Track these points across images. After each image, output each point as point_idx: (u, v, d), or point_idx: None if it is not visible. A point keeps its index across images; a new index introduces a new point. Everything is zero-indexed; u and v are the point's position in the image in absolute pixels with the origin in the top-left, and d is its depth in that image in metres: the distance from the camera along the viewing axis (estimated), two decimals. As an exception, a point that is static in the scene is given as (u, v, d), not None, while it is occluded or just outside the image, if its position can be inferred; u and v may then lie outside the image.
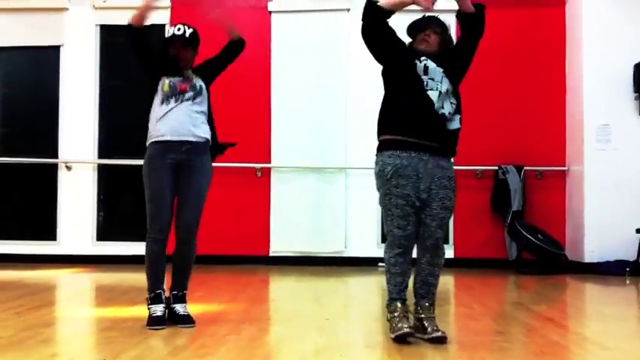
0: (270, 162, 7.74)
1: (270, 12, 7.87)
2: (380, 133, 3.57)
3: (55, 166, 7.96)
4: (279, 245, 7.69)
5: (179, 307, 3.85)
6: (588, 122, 7.24)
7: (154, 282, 3.83)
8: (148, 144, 3.87)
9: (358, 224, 7.69)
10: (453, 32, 3.72)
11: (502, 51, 7.57)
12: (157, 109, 3.84)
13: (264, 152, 7.72)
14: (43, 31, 8.02)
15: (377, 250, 7.41)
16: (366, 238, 7.68)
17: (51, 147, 7.95)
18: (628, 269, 6.89)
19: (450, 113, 3.46)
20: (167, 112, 3.80)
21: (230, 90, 7.23)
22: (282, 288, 6.28)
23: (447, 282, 6.17)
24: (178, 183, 3.84)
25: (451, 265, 6.25)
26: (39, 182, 8.04)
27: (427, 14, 3.68)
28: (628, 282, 6.53)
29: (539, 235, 7.21)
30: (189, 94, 3.86)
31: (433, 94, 3.43)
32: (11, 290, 5.41)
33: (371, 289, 6.14)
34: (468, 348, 3.32)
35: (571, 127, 7.58)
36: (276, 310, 4.89)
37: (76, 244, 7.81)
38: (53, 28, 8.01)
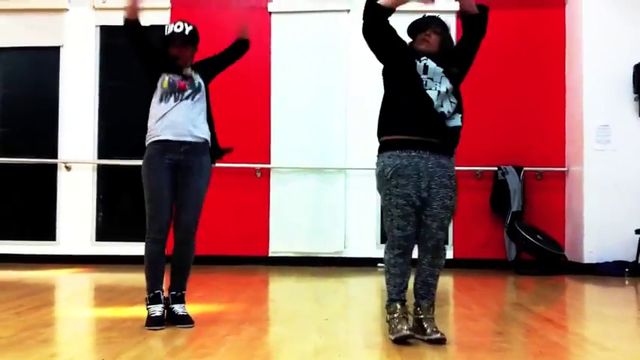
0: (269, 162, 7.74)
1: (270, 13, 7.87)
2: (380, 134, 3.57)
3: (54, 167, 7.97)
4: (278, 246, 7.70)
5: (178, 308, 3.85)
6: (588, 123, 7.24)
7: (153, 282, 3.83)
8: (147, 144, 3.87)
9: (358, 225, 7.69)
10: (454, 32, 3.72)
11: (502, 51, 7.58)
12: (156, 107, 3.84)
13: (263, 153, 7.72)
14: (43, 32, 8.02)
15: (376, 251, 7.43)
16: (365, 239, 7.68)
17: (50, 147, 7.96)
18: (627, 270, 6.89)
19: (449, 112, 3.46)
20: (166, 112, 3.80)
21: (230, 90, 7.25)
22: (282, 288, 6.28)
23: (446, 282, 6.17)
24: (177, 183, 3.84)
25: (450, 265, 6.22)
26: (39, 182, 8.03)
27: (427, 14, 3.69)
28: (627, 283, 6.54)
29: (538, 236, 7.22)
30: (188, 91, 3.85)
31: (432, 94, 3.43)
32: (11, 290, 5.41)
33: (370, 289, 6.14)
34: (467, 348, 3.32)
35: (571, 128, 7.59)
36: (275, 311, 4.89)
37: (76, 244, 7.82)
38: (53, 28, 8.01)
